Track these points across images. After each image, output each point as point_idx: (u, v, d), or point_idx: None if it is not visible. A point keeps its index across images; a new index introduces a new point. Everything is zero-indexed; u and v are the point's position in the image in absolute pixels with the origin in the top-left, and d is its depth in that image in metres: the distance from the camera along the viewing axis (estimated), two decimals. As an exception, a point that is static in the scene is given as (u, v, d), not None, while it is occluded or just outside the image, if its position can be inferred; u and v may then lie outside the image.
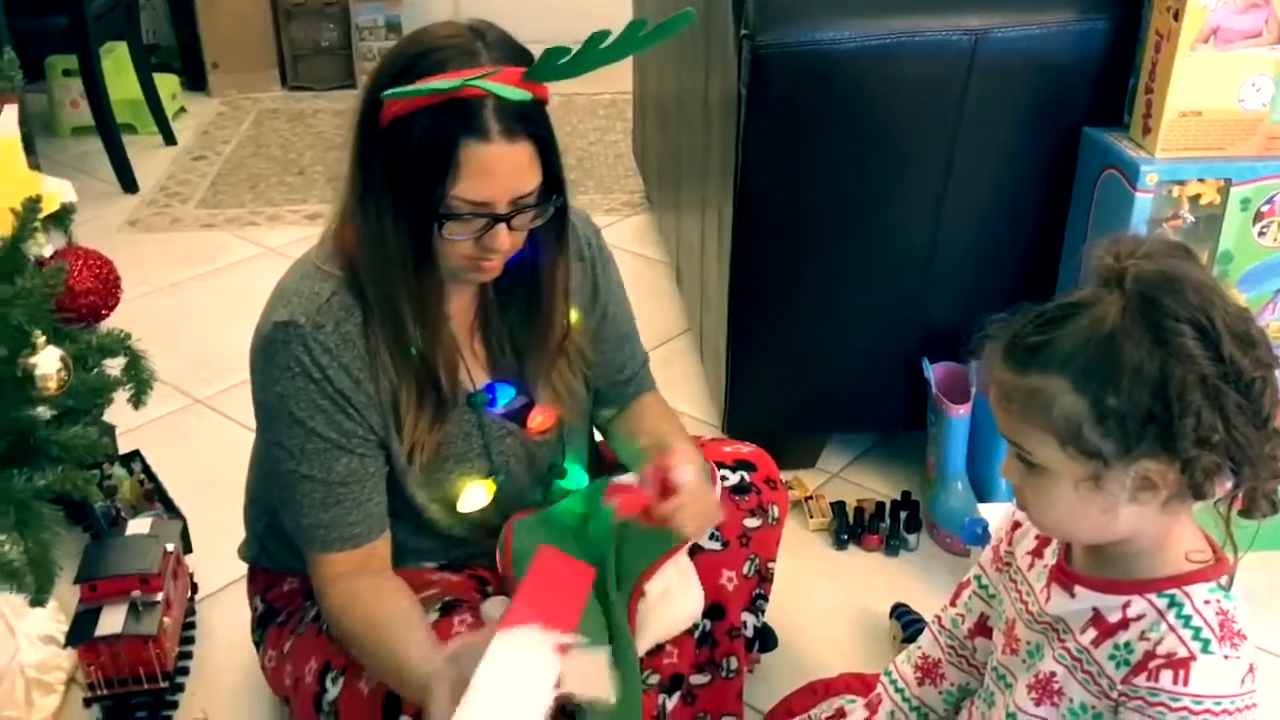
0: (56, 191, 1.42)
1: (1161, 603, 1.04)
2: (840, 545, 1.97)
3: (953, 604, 1.32)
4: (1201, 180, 1.66)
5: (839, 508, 2.00)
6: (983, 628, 1.28)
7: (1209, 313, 0.95)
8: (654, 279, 2.84)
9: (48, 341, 1.14)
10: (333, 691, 1.31)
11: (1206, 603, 1.02)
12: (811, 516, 2.00)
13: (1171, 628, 1.02)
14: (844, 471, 2.16)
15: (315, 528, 1.31)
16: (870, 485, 2.11)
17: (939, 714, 1.33)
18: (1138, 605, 1.05)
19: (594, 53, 1.13)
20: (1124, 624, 1.05)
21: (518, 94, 1.15)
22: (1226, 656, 1.00)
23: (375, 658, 1.26)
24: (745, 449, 1.56)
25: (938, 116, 1.78)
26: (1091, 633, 1.08)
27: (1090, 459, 0.97)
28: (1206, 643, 1.01)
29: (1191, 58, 1.60)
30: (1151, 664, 1.02)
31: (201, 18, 4.19)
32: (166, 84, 3.96)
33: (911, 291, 1.93)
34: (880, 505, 2.00)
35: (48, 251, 1.31)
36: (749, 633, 1.52)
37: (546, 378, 1.39)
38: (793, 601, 1.79)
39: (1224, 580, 1.04)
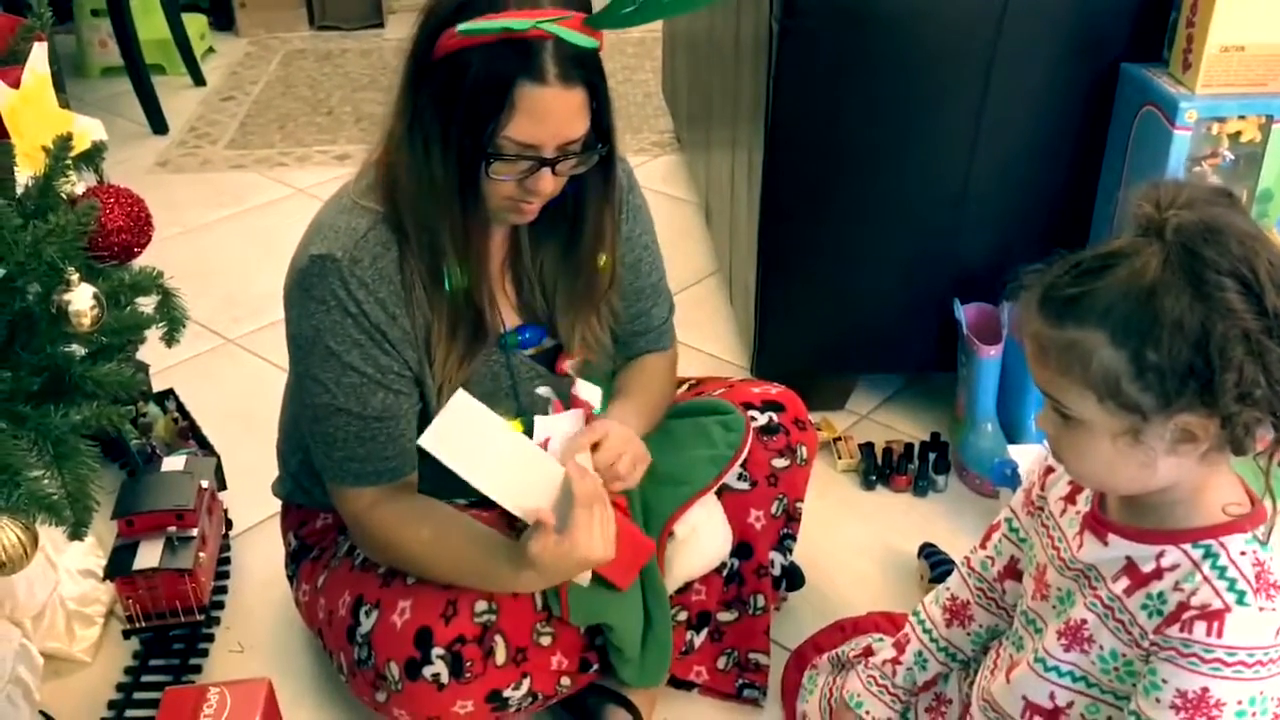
0: (87, 130, 1.42)
1: (1197, 554, 1.02)
2: (869, 486, 1.97)
3: (982, 546, 1.32)
4: (1242, 117, 1.62)
5: (868, 449, 2.00)
6: (1012, 570, 1.28)
7: (1253, 264, 0.92)
8: (684, 219, 2.83)
9: (81, 279, 1.14)
10: (366, 624, 1.33)
11: (1243, 554, 1.01)
12: (840, 458, 2.00)
13: (1206, 579, 1.01)
14: (873, 413, 2.15)
15: (349, 461, 1.32)
16: (899, 427, 2.11)
17: (966, 655, 1.33)
18: (1172, 555, 1.04)
19: (658, 5, 1.12)
20: (1158, 574, 1.04)
21: (585, 40, 1.15)
22: (1262, 609, 0.99)
23: (451, 561, 1.30)
24: (774, 390, 1.56)
25: (972, 52, 1.75)
26: (1124, 581, 1.07)
27: (1129, 413, 0.96)
28: (1242, 594, 0.99)
29: (1235, -10, 1.56)
30: (1185, 615, 1.01)
31: (229, -43, 4.18)
32: (195, 24, 3.95)
33: (943, 231, 1.91)
34: (909, 446, 1.99)
35: (80, 189, 1.31)
36: (776, 571, 1.53)
37: (577, 326, 1.39)
38: (821, 541, 1.80)
39: (1261, 531, 1.02)
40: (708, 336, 2.36)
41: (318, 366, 1.29)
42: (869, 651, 1.45)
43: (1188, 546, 1.03)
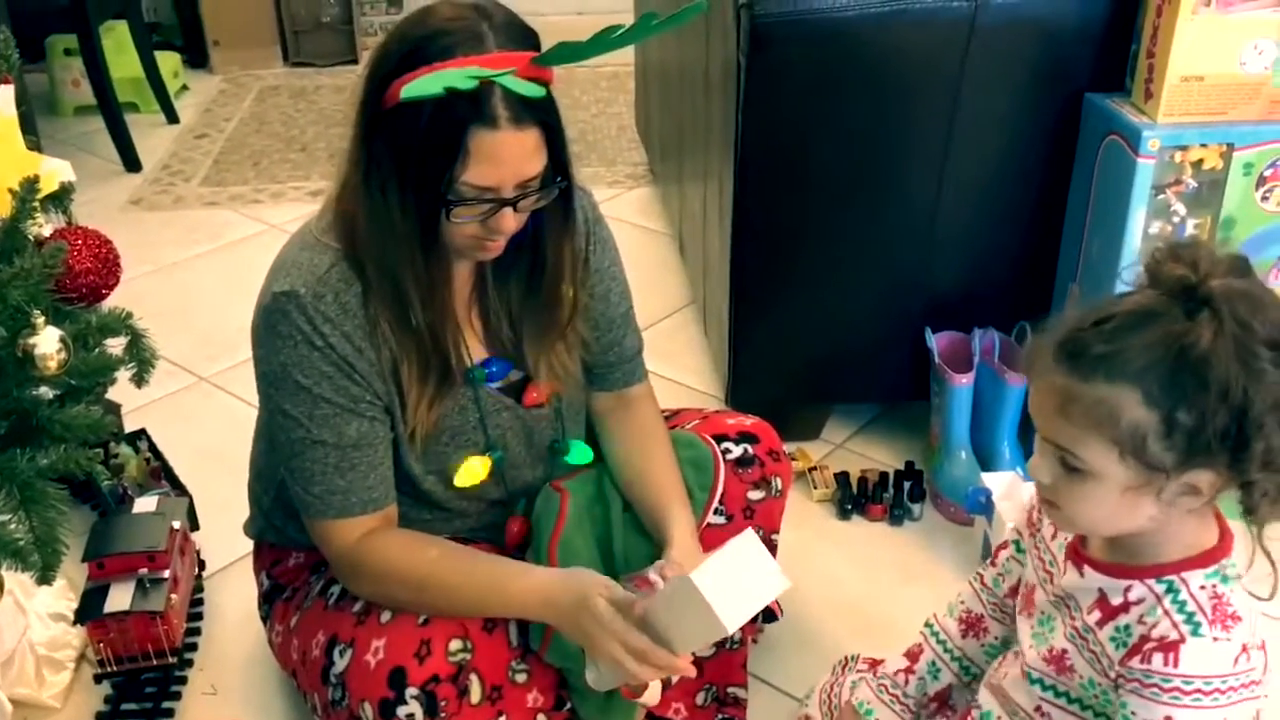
0: (55, 171, 1.42)
1: (1160, 588, 1.06)
2: (844, 515, 1.97)
3: (993, 564, 1.34)
4: (1204, 145, 1.64)
5: (843, 478, 2.00)
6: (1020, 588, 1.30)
7: None
8: (658, 251, 2.84)
9: (47, 322, 1.14)
10: (340, 664, 1.32)
11: (1202, 588, 1.04)
12: (816, 487, 2.01)
13: (1166, 612, 1.04)
14: (848, 442, 2.16)
15: (330, 494, 1.30)
16: (874, 455, 2.11)
17: (979, 667, 1.34)
18: (1138, 590, 1.07)
19: (605, 42, 1.13)
20: (1125, 607, 1.07)
21: (531, 89, 1.15)
22: (1216, 639, 1.02)
23: (458, 590, 1.28)
24: (748, 421, 1.56)
25: (938, 84, 1.77)
26: (1096, 613, 1.10)
27: (1150, 470, 0.98)
28: (1197, 626, 1.03)
29: (1193, 21, 1.58)
30: (1145, 647, 1.04)
31: (202, -6, 4.19)
32: (168, 62, 3.95)
33: (914, 260, 1.93)
34: (884, 475, 2.00)
35: (47, 231, 1.31)
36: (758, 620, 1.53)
37: (543, 357, 1.39)
38: (797, 572, 1.78)
39: (1226, 564, 1.05)
40: (683, 368, 2.36)
41: (288, 402, 1.28)
42: (876, 663, 1.45)
43: (1152, 581, 1.06)
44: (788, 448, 2.06)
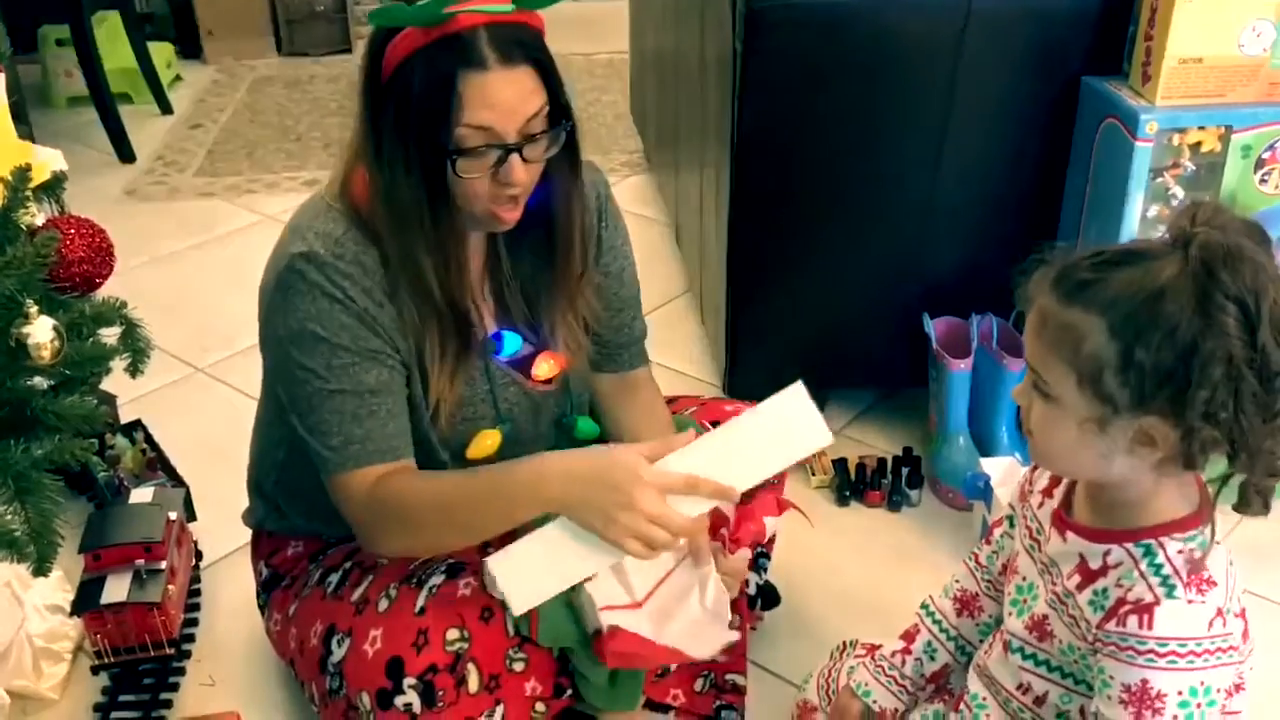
0: (48, 161, 1.41)
1: (1138, 551, 1.06)
2: (843, 502, 1.97)
3: (987, 542, 1.35)
4: (1202, 128, 1.64)
5: (841, 465, 2.00)
6: None
7: (1259, 298, 0.95)
8: (654, 239, 2.83)
9: (40, 311, 1.13)
10: (338, 653, 1.31)
11: (1180, 552, 1.05)
12: (813, 474, 2.00)
13: (1142, 575, 1.05)
14: (846, 429, 2.15)
15: (348, 444, 1.27)
16: (872, 442, 2.11)
17: (974, 646, 1.35)
18: (1116, 553, 1.08)
19: None
20: (1104, 571, 1.09)
21: (503, 9, 1.15)
22: (1190, 601, 1.03)
23: (486, 500, 1.26)
24: (744, 409, 1.55)
25: (934, 69, 1.76)
26: (1076, 578, 1.11)
27: (1102, 403, 0.99)
28: (1172, 588, 1.03)
29: (1191, 3, 1.58)
30: (1121, 610, 1.05)
31: (195, -15, 4.17)
32: (161, 52, 3.94)
33: (911, 247, 1.92)
34: (882, 461, 2.00)
35: (39, 221, 1.30)
36: (751, 591, 1.53)
37: (558, 323, 1.38)
38: (796, 559, 1.80)
39: (1206, 530, 1.05)
40: (680, 355, 2.36)
41: (305, 355, 1.26)
42: (875, 649, 1.46)
43: (1130, 545, 1.07)
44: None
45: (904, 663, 1.37)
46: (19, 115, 1.37)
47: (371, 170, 1.23)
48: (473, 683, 1.28)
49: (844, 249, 1.92)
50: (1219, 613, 1.03)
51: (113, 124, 3.42)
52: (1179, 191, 1.67)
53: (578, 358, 1.42)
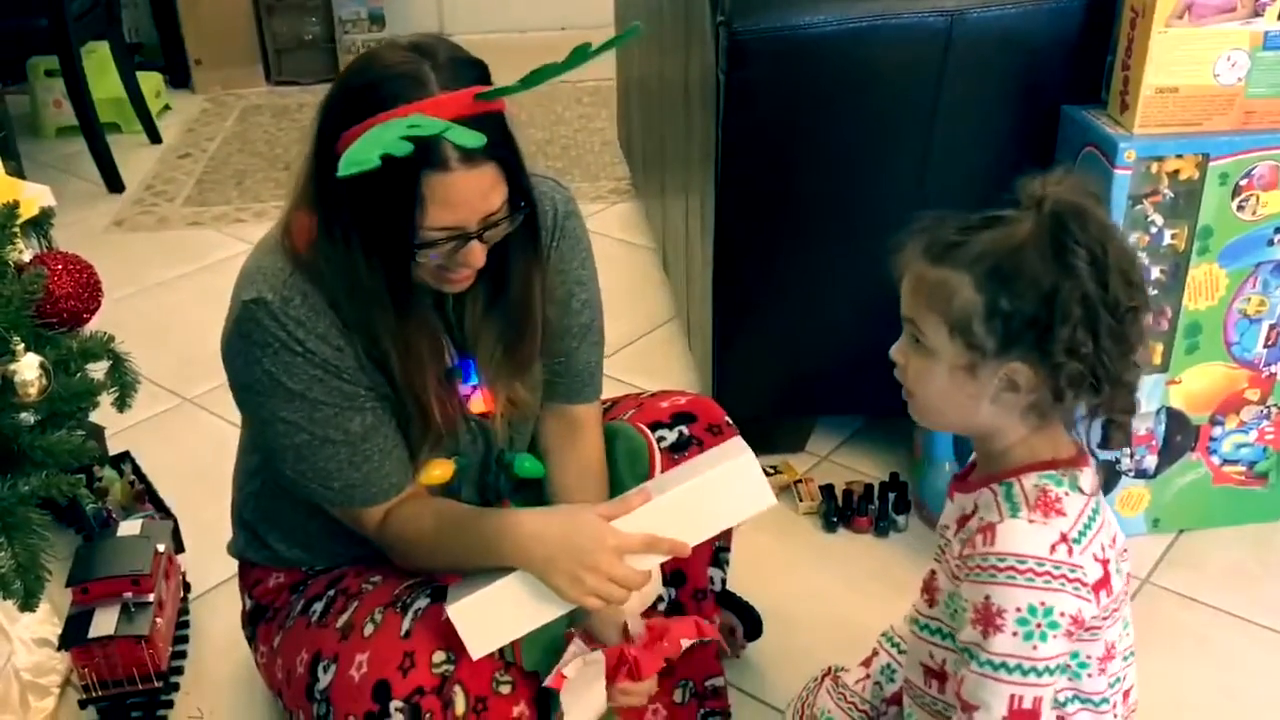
0: (36, 196, 1.42)
1: (1000, 489, 1.15)
2: (830, 528, 1.97)
3: (937, 561, 1.36)
4: (1179, 156, 1.66)
5: (828, 491, 2.01)
6: None
7: (1105, 246, 1.07)
8: (641, 266, 2.84)
9: (27, 348, 1.14)
10: (324, 680, 1.31)
11: (1036, 485, 1.13)
12: (801, 500, 2.01)
13: (997, 505, 1.14)
14: (833, 455, 2.16)
15: (351, 488, 1.31)
16: (859, 468, 2.12)
17: None
18: (985, 495, 1.16)
19: (542, 73, 1.14)
20: (974, 512, 1.17)
21: (473, 139, 1.11)
22: (1031, 520, 1.10)
23: (462, 554, 1.32)
24: (682, 399, 1.55)
25: (916, 98, 1.78)
26: (953, 527, 1.21)
27: (971, 350, 1.10)
28: (1016, 509, 1.12)
29: (1166, 34, 1.60)
30: (975, 536, 1.13)
31: (183, 14, 4.19)
32: (150, 82, 3.95)
33: (895, 273, 1.93)
34: (869, 487, 2.00)
35: (27, 256, 1.31)
36: (717, 587, 1.53)
37: (501, 385, 1.37)
38: (783, 585, 1.80)
39: (1072, 473, 1.13)
40: (667, 382, 2.35)
41: (283, 409, 1.27)
42: (829, 673, 1.49)
43: (996, 485, 1.16)
44: (773, 461, 2.08)
45: (863, 688, 1.41)
46: (7, 150, 1.38)
47: (321, 239, 1.22)
48: (459, 705, 1.28)
49: (828, 276, 1.94)
50: (1063, 538, 1.09)
51: (102, 154, 3.43)
52: (1158, 219, 1.69)
53: (516, 411, 1.41)
